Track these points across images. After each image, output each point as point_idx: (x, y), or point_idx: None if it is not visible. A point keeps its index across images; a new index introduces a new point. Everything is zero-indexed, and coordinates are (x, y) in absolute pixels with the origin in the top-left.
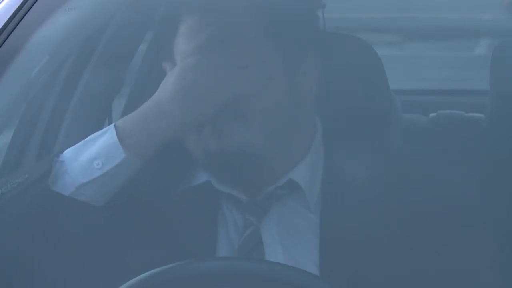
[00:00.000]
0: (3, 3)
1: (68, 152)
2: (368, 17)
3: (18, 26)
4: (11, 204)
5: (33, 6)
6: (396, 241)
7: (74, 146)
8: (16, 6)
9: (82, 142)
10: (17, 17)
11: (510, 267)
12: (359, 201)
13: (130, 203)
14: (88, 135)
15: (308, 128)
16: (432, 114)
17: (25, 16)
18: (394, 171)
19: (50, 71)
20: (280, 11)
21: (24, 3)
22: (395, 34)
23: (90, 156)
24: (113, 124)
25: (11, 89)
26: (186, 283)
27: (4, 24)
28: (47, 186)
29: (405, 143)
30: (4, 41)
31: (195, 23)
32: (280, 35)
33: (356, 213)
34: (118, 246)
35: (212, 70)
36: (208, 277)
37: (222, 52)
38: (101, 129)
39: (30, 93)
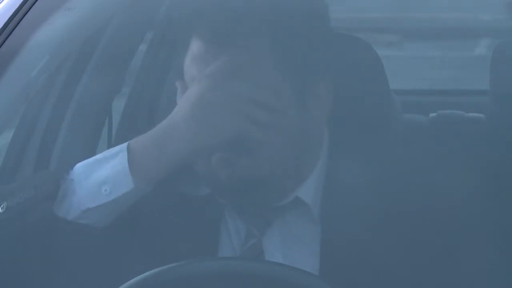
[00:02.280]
0: (3, 3)
1: (78, 169)
2: (368, 17)
3: (18, 26)
4: (16, 219)
5: (33, 6)
6: (397, 245)
7: (85, 163)
8: (16, 6)
9: (93, 159)
10: (17, 17)
11: (510, 267)
12: (360, 203)
13: (130, 210)
14: (88, 135)
15: (316, 145)
16: (432, 114)
17: (25, 16)
18: (394, 172)
19: (50, 71)
20: (289, 35)
21: (24, 3)
22: (395, 34)
23: (99, 180)
24: (126, 145)
25: (11, 89)
26: (186, 283)
27: (4, 24)
28: (52, 208)
29: (405, 143)
30: (4, 41)
31: (207, 50)
32: (291, 63)
33: (357, 216)
34: (117, 249)
35: (224, 100)
36: (208, 277)
37: (234, 82)
38: (101, 129)
39: (30, 93)
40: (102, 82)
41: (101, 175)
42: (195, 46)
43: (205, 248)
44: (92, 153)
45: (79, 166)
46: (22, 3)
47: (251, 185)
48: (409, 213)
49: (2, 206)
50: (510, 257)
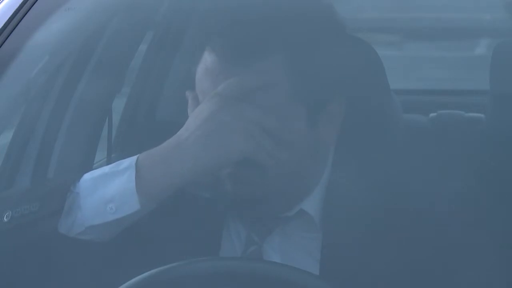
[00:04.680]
0: (3, 3)
1: (84, 182)
2: (368, 17)
3: (18, 26)
4: (18, 232)
5: (33, 6)
6: (397, 247)
7: (91, 176)
8: (16, 6)
9: (101, 172)
10: (17, 17)
11: (510, 267)
12: (362, 209)
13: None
14: (88, 135)
15: (323, 158)
16: (432, 114)
17: (25, 16)
18: (394, 172)
19: (50, 71)
20: (304, 54)
21: (24, 3)
22: (395, 34)
23: (105, 197)
24: (135, 161)
25: (11, 90)
26: (186, 283)
27: (4, 25)
28: (56, 223)
29: (405, 143)
30: (4, 41)
31: (220, 66)
32: (305, 84)
33: (359, 223)
34: (117, 250)
35: (233, 121)
36: (208, 277)
37: (245, 104)
38: (101, 129)
39: (30, 93)
40: (102, 82)
41: (107, 192)
42: (208, 60)
43: (206, 250)
44: (92, 153)
45: (86, 179)
46: (22, 3)
47: (257, 199)
48: (409, 213)
49: (6, 215)
50: (510, 257)
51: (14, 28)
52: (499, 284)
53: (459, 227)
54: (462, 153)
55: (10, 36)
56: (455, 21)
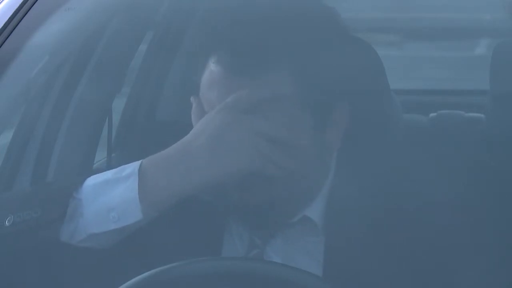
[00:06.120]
0: (3, 3)
1: (87, 188)
2: (368, 17)
3: (18, 26)
4: (19, 237)
5: (33, 6)
6: (399, 248)
7: (94, 182)
8: (16, 6)
9: (104, 178)
10: (17, 17)
11: (510, 267)
12: (363, 212)
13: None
14: (88, 135)
15: (327, 164)
16: (432, 114)
17: (25, 16)
18: (394, 173)
19: (50, 71)
20: (309, 65)
21: (24, 3)
22: (395, 34)
23: (107, 205)
24: (138, 167)
25: (11, 90)
26: (186, 283)
27: (4, 25)
28: (57, 230)
29: (405, 143)
30: (4, 41)
31: (227, 77)
32: (311, 94)
33: (361, 226)
34: (118, 251)
35: (241, 135)
36: (208, 277)
37: (252, 117)
38: (101, 129)
39: (30, 93)
40: (102, 82)
41: (110, 200)
42: (215, 71)
43: (208, 253)
44: (92, 153)
45: (89, 184)
46: (22, 3)
47: (261, 206)
48: (410, 215)
49: (8, 219)
50: (510, 257)
51: (14, 28)
52: (499, 284)
53: (459, 227)
54: (462, 153)
55: (10, 36)
56: (455, 21)
